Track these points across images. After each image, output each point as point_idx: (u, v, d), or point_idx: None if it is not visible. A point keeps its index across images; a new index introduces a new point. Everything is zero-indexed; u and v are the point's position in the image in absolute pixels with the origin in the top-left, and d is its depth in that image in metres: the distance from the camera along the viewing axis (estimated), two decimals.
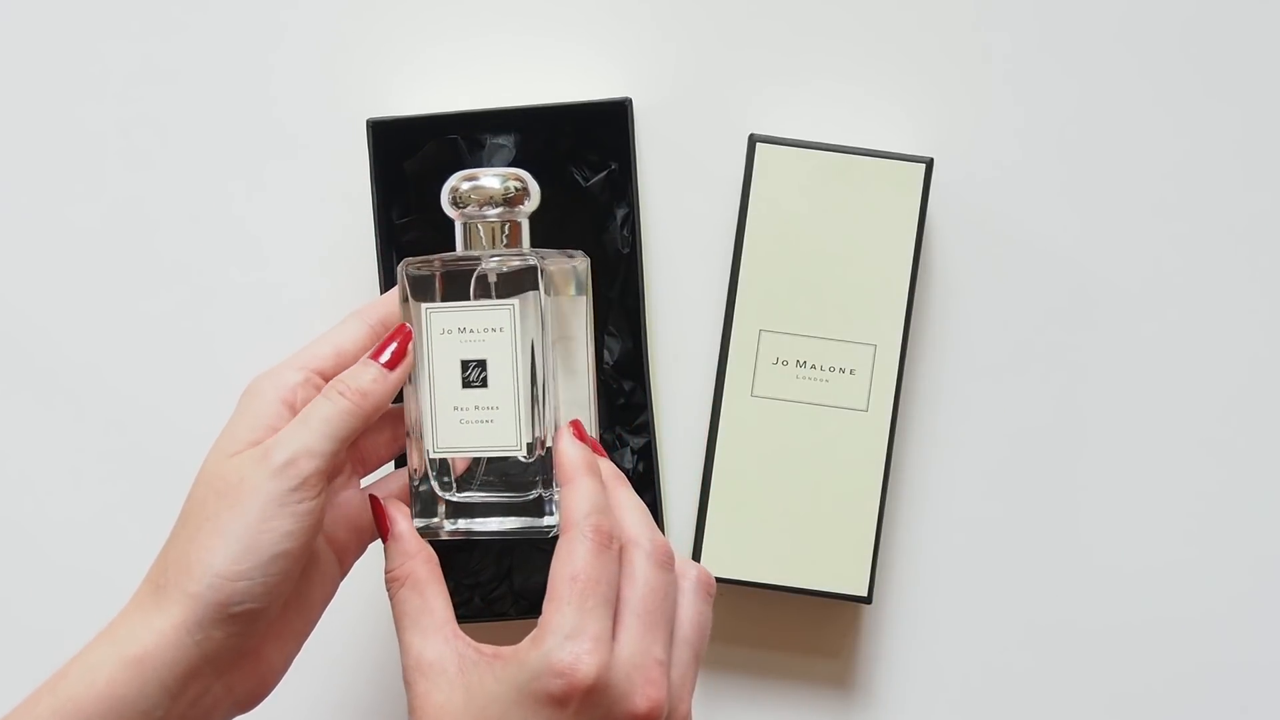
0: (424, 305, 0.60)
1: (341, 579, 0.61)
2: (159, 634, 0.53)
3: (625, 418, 0.73)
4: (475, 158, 0.71)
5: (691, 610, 0.58)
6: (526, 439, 0.59)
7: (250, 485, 0.54)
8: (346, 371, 0.58)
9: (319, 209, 0.75)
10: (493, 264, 0.60)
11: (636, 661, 0.54)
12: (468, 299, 0.60)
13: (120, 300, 0.75)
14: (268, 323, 0.75)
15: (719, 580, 0.71)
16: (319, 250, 0.75)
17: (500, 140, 0.72)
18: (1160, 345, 0.75)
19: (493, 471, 0.61)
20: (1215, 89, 0.74)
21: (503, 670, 0.54)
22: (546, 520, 0.61)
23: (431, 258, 0.61)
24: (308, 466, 0.55)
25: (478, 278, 0.60)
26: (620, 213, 0.72)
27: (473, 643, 0.56)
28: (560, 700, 0.53)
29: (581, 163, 0.72)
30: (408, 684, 0.56)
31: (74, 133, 0.75)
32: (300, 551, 0.55)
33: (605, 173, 0.72)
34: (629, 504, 0.59)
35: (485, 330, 0.59)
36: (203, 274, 0.75)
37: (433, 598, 0.58)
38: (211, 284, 0.75)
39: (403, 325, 0.60)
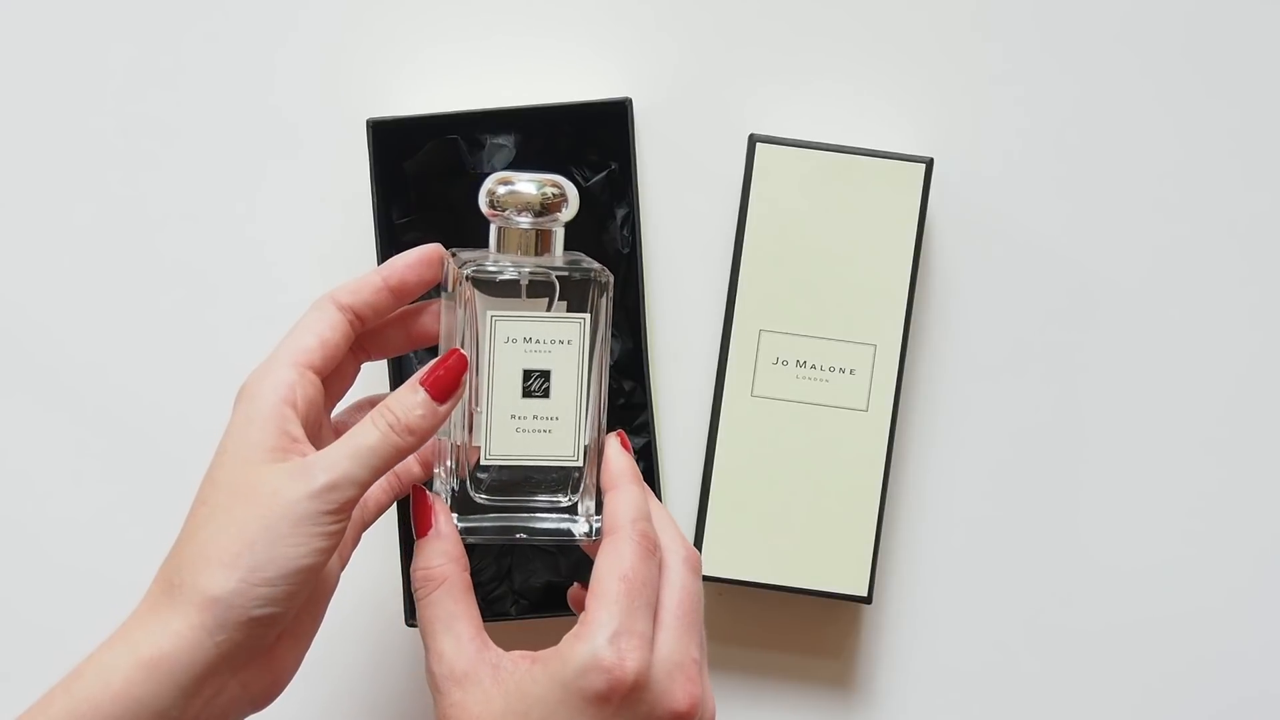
0: (489, 312, 0.59)
1: (341, 571, 0.61)
2: (177, 636, 0.53)
3: (625, 418, 0.73)
4: (475, 158, 0.71)
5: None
6: (583, 449, 0.60)
7: (285, 499, 0.54)
8: (396, 400, 0.57)
9: (319, 209, 0.75)
10: (575, 275, 0.59)
11: (676, 660, 0.55)
12: (514, 305, 0.59)
13: (121, 299, 0.75)
14: (268, 322, 0.75)
15: (719, 580, 0.71)
16: (319, 250, 0.75)
17: (500, 140, 0.72)
18: (1160, 345, 0.75)
19: (507, 474, 0.61)
20: (1215, 89, 0.74)
21: (542, 672, 0.55)
22: (580, 526, 0.61)
23: (485, 261, 0.60)
24: (347, 493, 0.55)
25: (547, 285, 0.59)
26: (620, 213, 0.72)
27: (504, 652, 0.57)
28: (604, 697, 0.53)
29: (581, 163, 0.72)
30: (439, 691, 0.56)
31: (75, 133, 0.75)
32: (323, 565, 0.55)
33: (605, 173, 0.72)
34: (661, 515, 0.60)
35: (552, 342, 0.59)
36: (203, 273, 0.75)
37: (467, 605, 0.58)
38: (212, 283, 0.75)
39: (454, 350, 0.58)
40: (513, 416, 0.59)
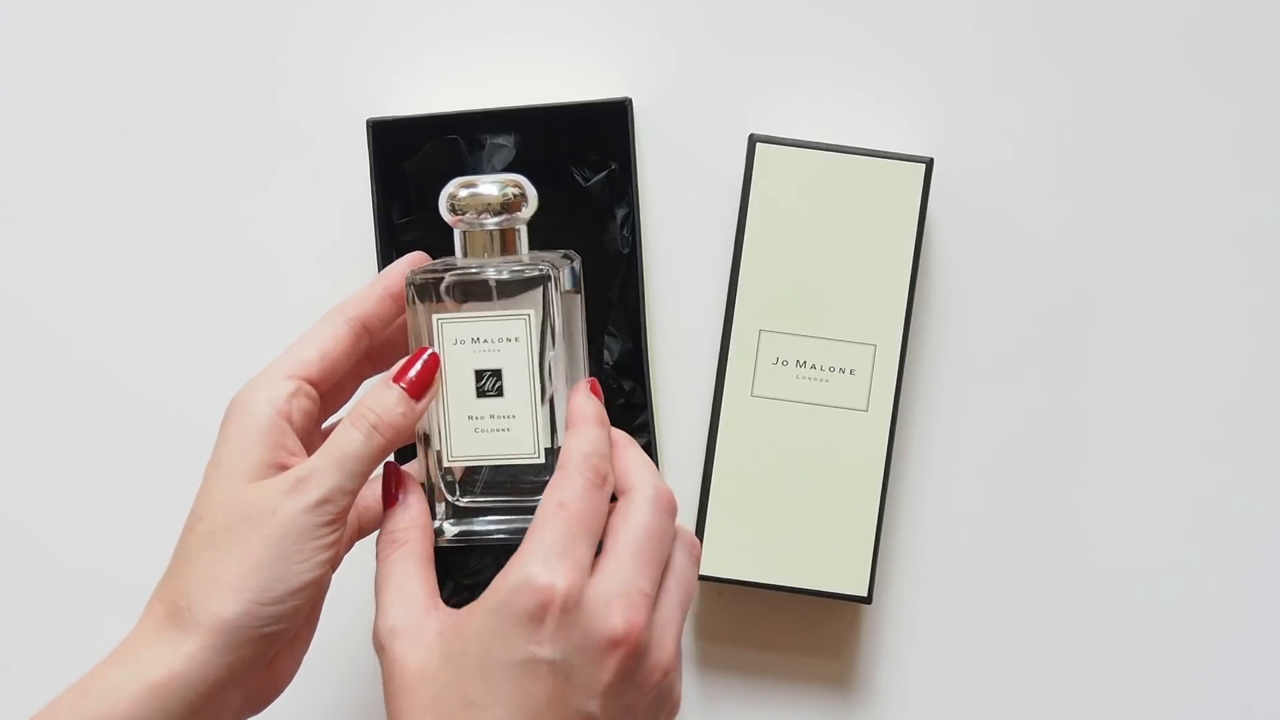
0: (435, 315, 0.59)
1: (333, 573, 0.61)
2: (187, 658, 0.53)
3: (625, 418, 0.73)
4: (475, 158, 0.71)
5: (682, 564, 0.57)
6: (544, 446, 0.59)
7: (283, 516, 0.54)
8: (374, 400, 0.57)
9: (319, 209, 0.75)
10: (504, 275, 0.59)
11: (619, 588, 0.53)
12: (477, 308, 0.59)
13: (122, 299, 0.75)
14: (268, 322, 0.75)
15: (719, 580, 0.71)
16: (319, 250, 0.75)
17: (500, 140, 0.72)
18: (1160, 344, 0.75)
19: (500, 475, 0.61)
20: (1212, 89, 0.74)
21: (477, 607, 0.53)
22: None
23: (436, 267, 0.60)
24: (341, 503, 0.55)
25: (485, 286, 0.60)
26: (620, 213, 0.72)
27: (452, 610, 0.55)
28: (535, 615, 0.52)
29: (581, 163, 0.72)
30: (381, 649, 0.55)
31: (76, 133, 0.75)
32: (327, 576, 0.55)
33: (605, 173, 0.72)
34: (639, 459, 0.58)
35: (500, 340, 0.59)
36: (203, 273, 0.75)
37: (426, 571, 0.57)
38: (212, 283, 0.75)
39: (424, 349, 0.59)
40: (470, 417, 0.60)
